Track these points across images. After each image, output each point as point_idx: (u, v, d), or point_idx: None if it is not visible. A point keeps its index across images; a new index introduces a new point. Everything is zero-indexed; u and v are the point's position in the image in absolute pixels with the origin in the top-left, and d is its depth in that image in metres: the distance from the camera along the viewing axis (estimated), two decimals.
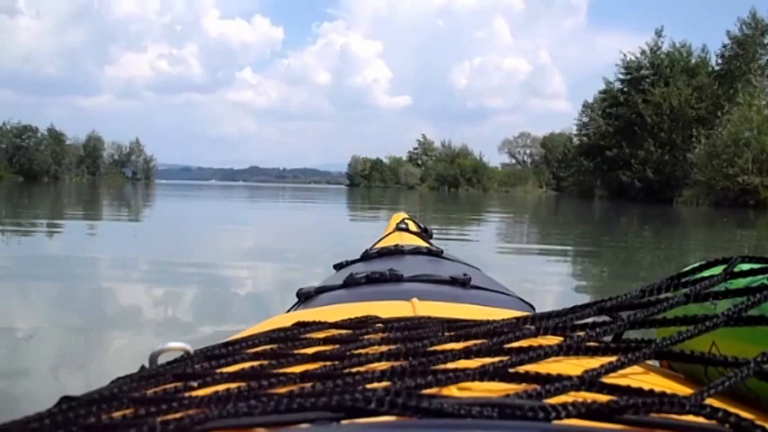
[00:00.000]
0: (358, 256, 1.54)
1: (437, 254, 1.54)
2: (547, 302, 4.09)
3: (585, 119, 49.54)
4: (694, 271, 0.59)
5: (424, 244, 1.76)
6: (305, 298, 1.07)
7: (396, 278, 1.05)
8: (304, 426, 0.31)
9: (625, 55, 43.43)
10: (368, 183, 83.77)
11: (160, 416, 0.32)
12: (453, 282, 1.06)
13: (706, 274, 0.57)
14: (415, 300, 0.81)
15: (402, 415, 0.31)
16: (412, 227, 2.16)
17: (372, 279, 1.05)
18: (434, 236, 2.21)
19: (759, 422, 0.32)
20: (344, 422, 0.32)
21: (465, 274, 1.10)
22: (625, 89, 43.10)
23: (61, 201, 21.35)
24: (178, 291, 4.71)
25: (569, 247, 9.03)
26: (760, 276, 0.53)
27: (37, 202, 19.70)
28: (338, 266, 1.52)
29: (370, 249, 1.61)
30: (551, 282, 5.52)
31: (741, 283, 0.53)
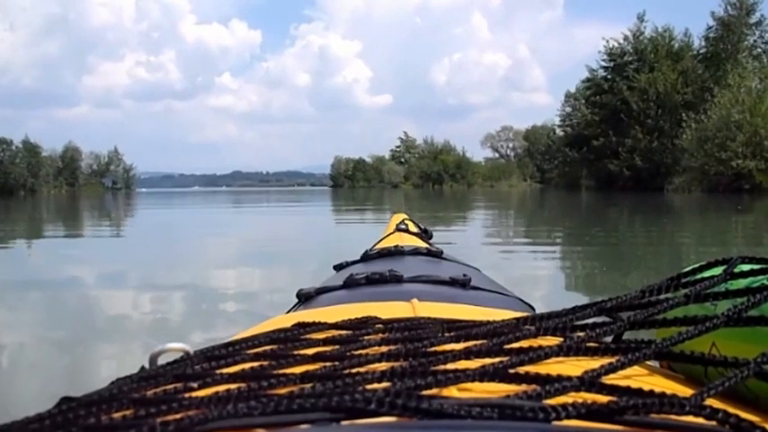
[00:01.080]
0: (358, 257, 1.54)
1: (437, 254, 1.54)
2: (546, 303, 4.09)
3: (569, 109, 49.64)
4: (694, 271, 0.59)
5: (423, 245, 1.76)
6: (305, 299, 1.07)
7: (396, 279, 1.05)
8: (304, 426, 0.31)
9: (608, 41, 43.25)
10: (352, 183, 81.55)
11: (160, 416, 0.32)
12: (453, 282, 1.06)
13: (706, 274, 0.57)
14: (415, 300, 0.81)
15: (402, 416, 0.31)
16: (412, 228, 2.16)
17: (372, 280, 1.05)
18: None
19: (759, 423, 0.32)
20: (345, 423, 0.32)
21: (465, 275, 1.10)
22: (609, 76, 42.87)
23: (34, 214, 20.47)
24: (174, 296, 4.71)
25: (565, 245, 8.98)
26: (760, 277, 0.53)
27: (10, 217, 18.88)
28: (338, 267, 1.52)
29: (370, 250, 1.61)
30: (551, 282, 5.52)
31: (741, 283, 0.53)
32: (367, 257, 1.50)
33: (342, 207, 23.99)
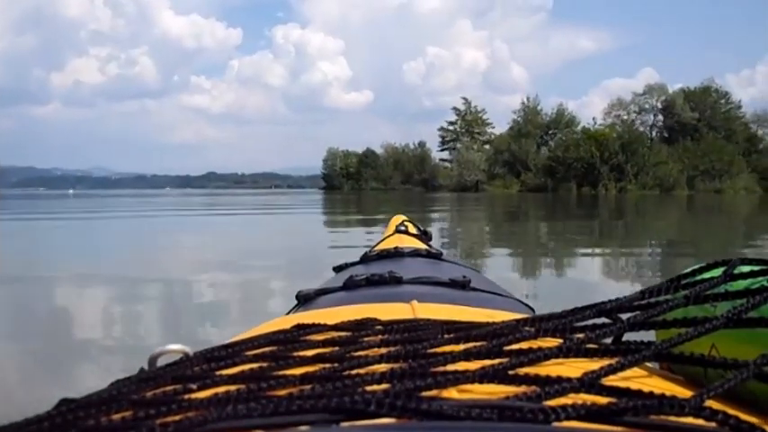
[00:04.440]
0: (357, 259, 1.54)
1: (436, 256, 1.54)
2: (546, 304, 4.08)
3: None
4: (694, 273, 0.59)
5: (423, 246, 1.76)
6: (304, 300, 1.07)
7: (395, 280, 1.05)
8: (303, 428, 0.31)
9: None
10: (357, 184, 64.89)
11: (159, 418, 0.32)
12: (453, 284, 1.06)
13: (706, 276, 0.57)
14: (414, 302, 0.81)
15: (401, 417, 0.31)
16: (411, 229, 2.16)
17: (372, 281, 1.05)
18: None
19: (759, 424, 0.32)
20: (344, 424, 0.32)
21: (464, 276, 1.10)
22: None
23: None
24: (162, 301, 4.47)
25: None
26: (760, 278, 0.53)
27: None
28: (338, 269, 1.52)
29: (370, 251, 1.61)
30: (551, 283, 5.52)
31: (741, 285, 0.53)
32: (366, 259, 1.50)
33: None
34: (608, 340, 0.49)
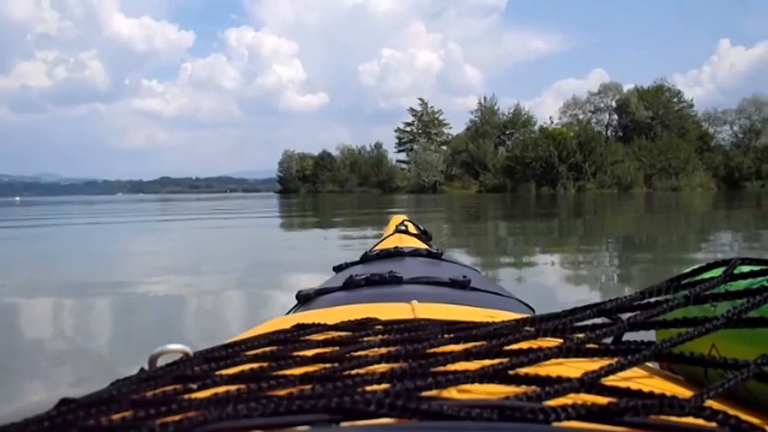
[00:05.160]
0: (357, 258, 1.54)
1: (436, 256, 1.54)
2: (545, 304, 4.05)
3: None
4: (694, 273, 0.59)
5: (423, 246, 1.76)
6: (304, 300, 1.07)
7: (395, 280, 1.05)
8: (303, 428, 0.31)
9: None
10: (313, 187, 64.01)
11: (159, 418, 0.32)
12: (453, 284, 1.06)
13: (706, 276, 0.57)
14: (414, 302, 0.81)
15: (401, 417, 0.31)
16: (411, 229, 2.16)
17: (372, 281, 1.05)
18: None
19: (759, 424, 0.32)
20: (344, 424, 0.32)
21: (464, 276, 1.10)
22: None
23: None
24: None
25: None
26: (760, 278, 0.53)
27: None
28: (338, 268, 1.52)
29: (370, 251, 1.61)
30: (551, 283, 5.52)
31: (741, 284, 0.53)
32: (366, 259, 1.50)
33: None
34: (608, 340, 0.49)
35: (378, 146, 67.38)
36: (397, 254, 1.51)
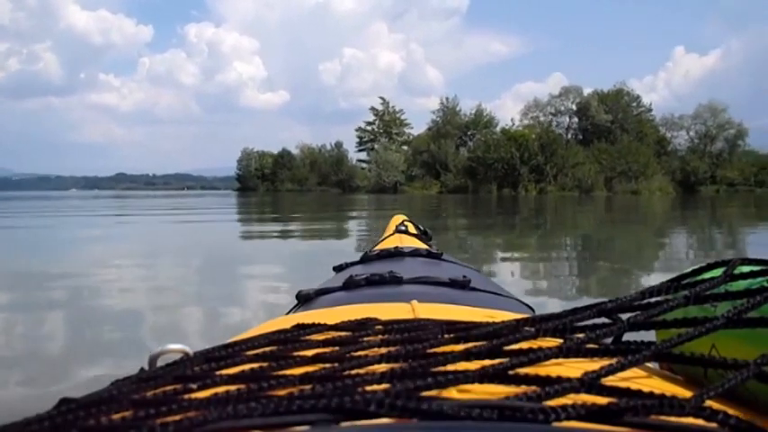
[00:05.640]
0: (357, 258, 1.54)
1: (437, 256, 1.54)
2: (545, 305, 4.07)
3: None
4: (694, 273, 0.59)
5: (423, 246, 1.76)
6: (304, 300, 1.07)
7: (395, 280, 1.05)
8: (303, 428, 0.31)
9: None
10: (272, 185, 62.24)
11: (159, 418, 0.32)
12: (453, 284, 1.06)
13: (706, 276, 0.57)
14: (414, 302, 0.81)
15: (401, 417, 0.31)
16: (411, 229, 2.16)
17: (372, 281, 1.05)
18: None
19: (759, 425, 0.32)
20: (344, 424, 0.32)
21: (464, 276, 1.10)
22: None
23: None
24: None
25: None
26: (760, 278, 0.53)
27: None
28: (338, 268, 1.52)
29: (370, 251, 1.61)
30: (550, 283, 5.52)
31: (741, 285, 0.53)
32: (367, 259, 1.50)
33: None
34: (608, 340, 0.49)
35: (338, 145, 66.13)
36: (397, 254, 1.51)
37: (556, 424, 0.31)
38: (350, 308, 0.83)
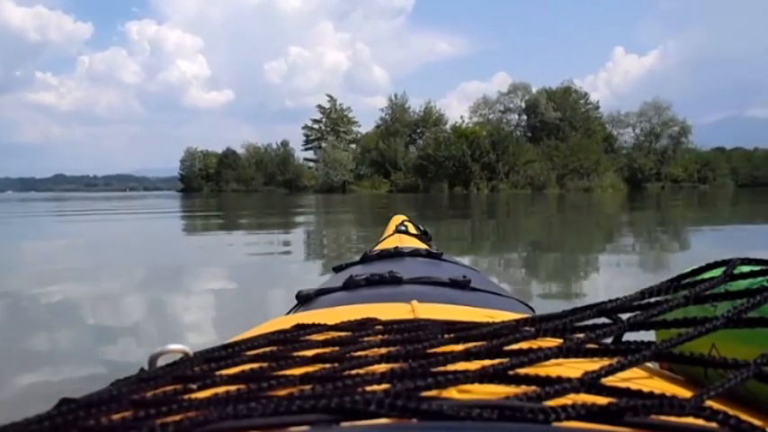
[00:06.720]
0: (357, 258, 1.54)
1: (436, 256, 1.54)
2: (545, 305, 4.08)
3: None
4: (694, 273, 0.59)
5: (423, 246, 1.76)
6: (304, 300, 1.07)
7: (395, 280, 1.05)
8: (303, 428, 0.31)
9: None
10: (216, 186, 60.64)
11: (159, 418, 0.32)
12: (453, 284, 1.06)
13: (706, 276, 0.57)
14: (414, 302, 0.81)
15: (401, 417, 0.31)
16: (411, 229, 2.16)
17: (372, 281, 1.05)
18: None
19: (759, 425, 0.32)
20: (344, 424, 0.32)
21: (464, 276, 1.10)
22: None
23: None
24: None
25: None
26: (760, 278, 0.53)
27: None
28: (338, 269, 1.52)
29: (370, 251, 1.61)
30: (548, 283, 5.52)
31: (741, 284, 0.53)
32: (366, 259, 1.50)
33: None
34: (608, 340, 0.49)
35: (284, 144, 64.41)
36: (396, 254, 1.51)
37: (556, 424, 0.31)
38: (350, 308, 0.83)
